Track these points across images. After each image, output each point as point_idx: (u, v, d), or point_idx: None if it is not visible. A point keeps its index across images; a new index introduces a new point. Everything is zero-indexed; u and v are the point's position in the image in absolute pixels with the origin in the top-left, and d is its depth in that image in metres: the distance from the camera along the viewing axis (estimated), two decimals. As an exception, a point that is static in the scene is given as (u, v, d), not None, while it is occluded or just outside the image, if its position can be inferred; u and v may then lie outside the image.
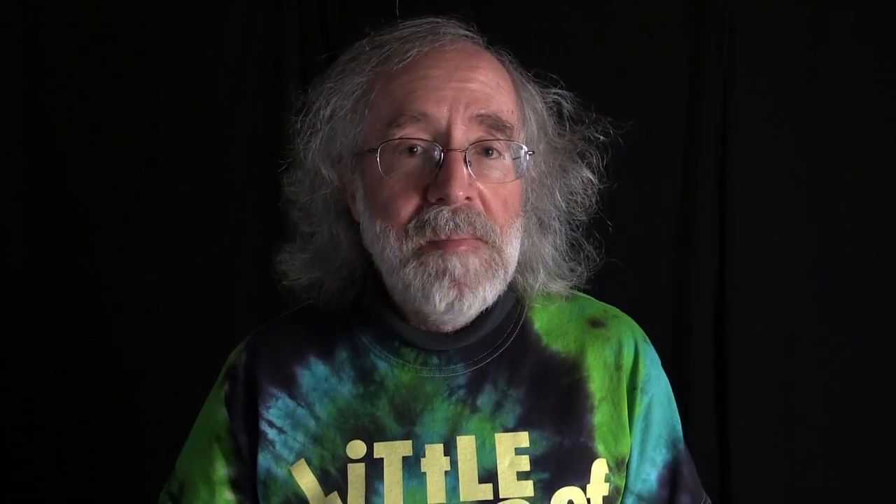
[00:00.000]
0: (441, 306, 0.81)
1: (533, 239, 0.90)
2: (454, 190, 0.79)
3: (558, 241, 0.92)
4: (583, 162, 0.92)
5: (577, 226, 0.93)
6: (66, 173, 1.50)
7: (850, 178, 1.50)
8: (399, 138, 0.81)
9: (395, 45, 0.85)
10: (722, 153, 1.51)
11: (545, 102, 0.91)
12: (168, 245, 1.52)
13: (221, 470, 0.90)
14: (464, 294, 0.81)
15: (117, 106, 1.51)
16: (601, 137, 0.92)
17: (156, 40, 1.51)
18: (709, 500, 0.93)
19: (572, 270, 0.92)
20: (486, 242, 0.82)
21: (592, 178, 0.92)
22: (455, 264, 0.80)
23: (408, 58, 0.83)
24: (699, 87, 1.52)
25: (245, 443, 0.88)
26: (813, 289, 1.51)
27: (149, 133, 1.51)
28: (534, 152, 0.86)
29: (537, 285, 0.91)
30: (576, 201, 0.92)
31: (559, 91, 0.92)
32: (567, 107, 0.92)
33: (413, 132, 0.81)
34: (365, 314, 0.91)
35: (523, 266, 0.90)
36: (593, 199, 0.92)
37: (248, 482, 0.89)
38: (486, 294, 0.82)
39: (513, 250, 0.84)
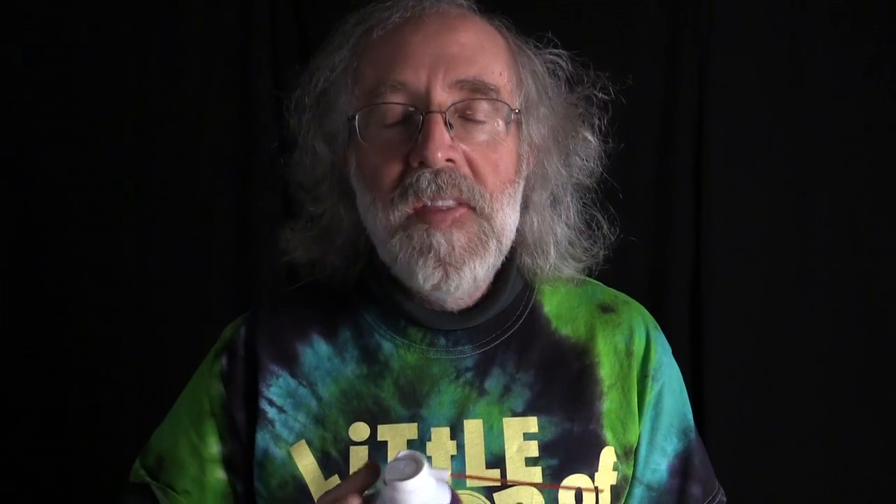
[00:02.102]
0: (426, 286, 0.79)
1: (545, 216, 0.88)
2: (432, 151, 0.76)
3: (571, 219, 0.89)
4: (586, 124, 0.89)
5: (592, 200, 0.90)
6: (35, 164, 1.45)
7: (827, 162, 1.51)
8: (376, 103, 0.80)
9: (377, 15, 0.83)
10: (698, 138, 1.51)
11: (547, 66, 0.88)
12: (140, 235, 1.48)
13: (214, 447, 0.85)
14: (449, 275, 0.78)
15: (86, 93, 1.46)
16: (599, 95, 0.89)
17: (124, 26, 1.46)
18: (721, 491, 0.92)
19: (587, 250, 0.89)
20: (474, 210, 0.79)
21: (590, 139, 0.89)
22: (440, 241, 0.78)
23: (388, 25, 0.82)
24: (675, 71, 1.51)
25: (242, 421, 0.84)
26: (789, 277, 1.51)
27: (118, 121, 1.47)
28: (518, 111, 0.83)
29: (547, 268, 0.88)
30: (582, 167, 0.89)
31: (555, 51, 0.89)
32: (566, 67, 0.89)
33: (393, 99, 0.79)
34: (369, 292, 0.88)
35: (533, 247, 0.88)
36: (599, 164, 0.90)
37: (242, 462, 0.85)
38: (477, 271, 0.79)
39: (506, 218, 0.81)
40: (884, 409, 1.50)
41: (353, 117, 0.81)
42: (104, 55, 1.46)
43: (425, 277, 0.78)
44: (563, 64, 0.88)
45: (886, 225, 1.50)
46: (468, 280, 0.79)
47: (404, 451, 0.66)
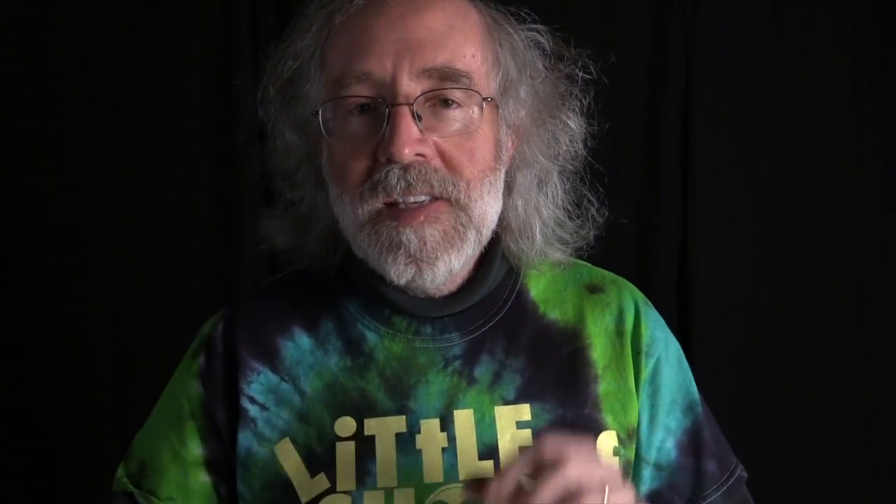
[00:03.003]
0: (400, 281, 0.77)
1: (530, 199, 0.85)
2: (399, 148, 0.73)
3: (558, 199, 0.86)
4: (569, 103, 0.86)
5: (581, 179, 0.88)
6: (7, 158, 1.40)
7: (815, 146, 1.49)
8: (341, 96, 0.76)
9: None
10: (684, 118, 1.48)
11: (526, 42, 0.84)
12: (116, 230, 1.42)
13: (195, 450, 0.82)
14: (422, 270, 0.76)
15: (58, 72, 1.41)
16: (580, 73, 0.85)
17: (98, 13, 1.41)
18: (740, 466, 0.88)
19: (574, 232, 0.86)
20: (449, 201, 0.76)
21: (570, 123, 0.85)
22: (410, 238, 0.75)
23: (351, 9, 0.78)
24: (661, 50, 1.48)
25: (223, 420, 0.81)
26: (777, 264, 1.49)
27: (92, 111, 1.41)
28: (490, 99, 0.79)
29: (533, 252, 0.85)
30: (567, 149, 0.86)
31: (534, 26, 0.85)
32: (546, 44, 0.85)
33: (358, 90, 0.76)
34: (350, 282, 0.85)
35: (517, 232, 0.85)
36: (583, 145, 0.87)
37: (225, 464, 0.81)
38: (452, 263, 0.77)
39: (485, 206, 0.78)
40: (870, 401, 1.48)
41: (318, 111, 0.78)
42: (76, 44, 1.41)
43: (398, 274, 0.76)
44: (543, 40, 0.85)
45: (873, 214, 1.49)
46: (443, 273, 0.77)
47: None
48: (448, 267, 0.76)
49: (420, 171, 0.74)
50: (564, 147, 0.86)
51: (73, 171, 1.41)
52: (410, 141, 0.74)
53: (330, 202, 0.82)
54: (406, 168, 0.74)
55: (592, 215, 0.87)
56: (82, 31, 1.41)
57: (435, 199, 0.76)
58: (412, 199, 0.75)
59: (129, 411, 0.91)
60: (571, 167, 0.87)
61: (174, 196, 1.44)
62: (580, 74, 0.86)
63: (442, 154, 0.76)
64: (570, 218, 0.87)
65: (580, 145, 0.87)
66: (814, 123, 1.49)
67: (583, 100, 0.86)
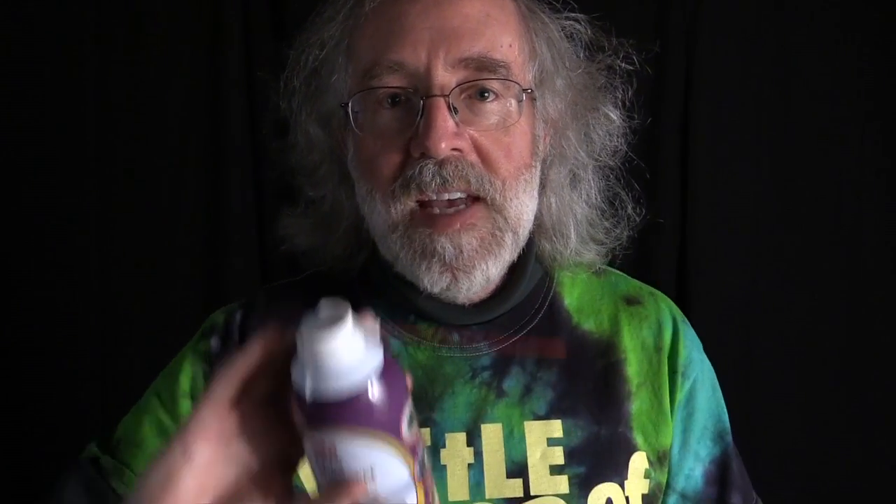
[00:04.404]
0: (433, 290, 0.72)
1: (563, 196, 0.80)
2: (435, 141, 0.68)
3: (592, 197, 0.82)
4: (608, 95, 0.81)
5: (616, 176, 0.83)
6: None
7: (815, 140, 1.45)
8: (372, 88, 0.72)
9: None
10: (684, 117, 1.44)
11: (563, 32, 0.80)
12: (101, 230, 1.36)
13: None
14: (458, 279, 0.72)
15: (43, 63, 1.34)
16: (623, 65, 0.81)
17: (84, 4, 1.35)
18: (759, 501, 0.84)
19: (608, 231, 0.82)
20: (485, 201, 0.72)
21: (612, 116, 0.81)
22: (445, 246, 0.71)
23: None
24: (662, 44, 1.43)
25: None
26: (775, 259, 1.46)
27: (78, 106, 1.35)
28: (531, 90, 0.75)
29: (568, 252, 0.80)
30: (607, 141, 0.81)
31: (573, 15, 0.81)
32: (585, 33, 0.81)
33: (390, 81, 0.71)
34: (373, 285, 0.80)
35: (551, 231, 0.80)
36: (622, 140, 0.82)
37: None
38: (490, 271, 0.73)
39: (521, 206, 0.74)
40: (870, 401, 1.45)
41: (347, 103, 0.73)
42: (61, 37, 1.34)
43: (431, 282, 0.71)
44: (582, 29, 0.80)
45: (873, 215, 1.46)
46: (480, 282, 0.73)
47: (326, 300, 0.53)
48: (485, 275, 0.72)
49: (457, 167, 0.70)
50: (601, 142, 0.81)
51: (57, 170, 1.35)
52: (447, 134, 0.69)
53: (355, 200, 0.78)
54: (441, 163, 0.70)
55: (628, 214, 0.83)
56: (66, 28, 1.35)
57: (470, 198, 0.71)
58: (447, 196, 0.70)
59: (114, 415, 0.87)
60: (611, 162, 0.83)
61: (161, 198, 1.38)
62: (622, 65, 0.81)
63: (478, 149, 0.72)
64: (605, 217, 0.83)
65: (619, 140, 0.82)
66: (815, 123, 1.45)
67: (623, 92, 0.82)
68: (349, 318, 0.50)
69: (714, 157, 1.45)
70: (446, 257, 0.70)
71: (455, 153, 0.70)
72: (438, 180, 0.70)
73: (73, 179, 1.35)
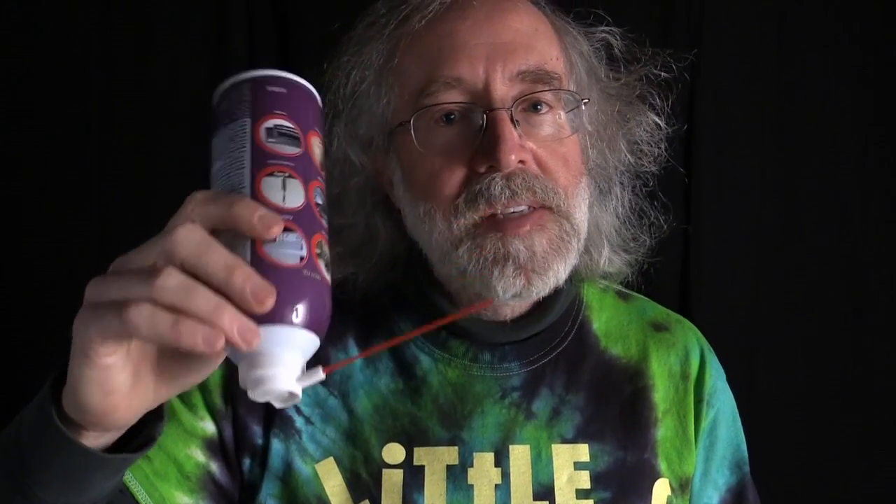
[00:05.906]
0: (506, 295, 0.71)
1: (595, 207, 0.80)
2: (505, 154, 0.68)
3: (620, 208, 0.82)
4: (644, 105, 0.82)
5: (643, 185, 0.83)
6: None
7: (817, 142, 1.45)
8: (432, 105, 0.71)
9: (413, 1, 0.74)
10: (687, 119, 1.42)
11: (592, 45, 0.80)
12: (102, 236, 1.34)
13: (198, 423, 0.74)
14: (532, 281, 0.71)
15: (47, 63, 1.32)
16: (662, 74, 0.81)
17: (89, 12, 1.32)
18: None
19: (635, 240, 0.82)
20: (552, 210, 0.71)
21: (659, 122, 0.82)
22: (518, 248, 0.70)
23: (430, 12, 0.73)
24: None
25: (246, 409, 0.74)
26: (777, 260, 1.46)
27: (83, 114, 1.33)
28: (587, 101, 0.76)
29: (602, 261, 0.81)
30: (642, 151, 0.82)
31: (606, 28, 0.81)
32: (618, 45, 0.81)
33: (448, 98, 0.71)
34: (405, 300, 0.80)
35: (587, 241, 0.80)
36: (661, 147, 0.82)
37: (220, 444, 0.74)
38: (560, 274, 0.72)
39: (582, 214, 0.74)
40: (871, 403, 1.45)
41: (408, 122, 0.72)
42: (67, 44, 1.32)
43: (505, 287, 0.70)
44: (615, 41, 0.81)
45: (876, 217, 1.46)
46: (551, 284, 0.72)
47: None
48: (556, 277, 0.72)
49: (524, 179, 0.70)
50: (631, 151, 0.82)
51: (60, 170, 1.33)
52: (515, 147, 0.69)
53: (389, 226, 0.78)
54: (509, 176, 0.69)
55: (653, 222, 0.83)
56: (72, 35, 1.33)
57: (534, 208, 0.71)
58: (512, 209, 0.70)
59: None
60: (645, 170, 0.83)
61: (161, 201, 1.36)
62: (662, 74, 0.81)
63: (538, 160, 0.72)
64: (632, 225, 0.83)
65: (655, 149, 0.83)
66: (817, 130, 1.46)
67: (659, 101, 0.82)
68: None
69: (716, 164, 1.45)
70: (520, 259, 0.70)
71: (520, 165, 0.70)
72: (508, 193, 0.69)
73: (75, 179, 1.33)
